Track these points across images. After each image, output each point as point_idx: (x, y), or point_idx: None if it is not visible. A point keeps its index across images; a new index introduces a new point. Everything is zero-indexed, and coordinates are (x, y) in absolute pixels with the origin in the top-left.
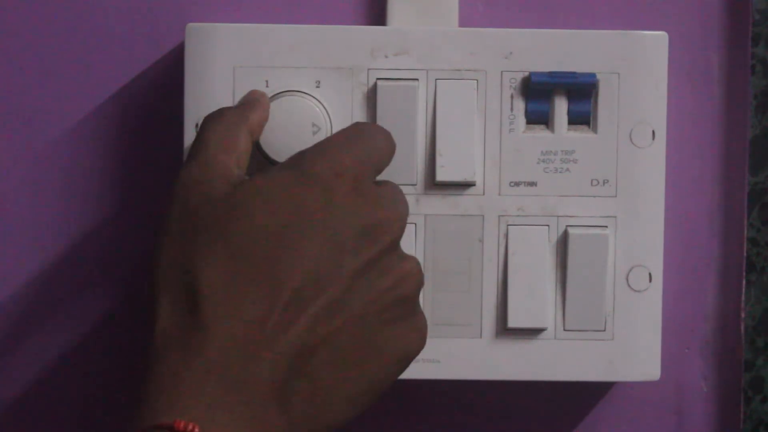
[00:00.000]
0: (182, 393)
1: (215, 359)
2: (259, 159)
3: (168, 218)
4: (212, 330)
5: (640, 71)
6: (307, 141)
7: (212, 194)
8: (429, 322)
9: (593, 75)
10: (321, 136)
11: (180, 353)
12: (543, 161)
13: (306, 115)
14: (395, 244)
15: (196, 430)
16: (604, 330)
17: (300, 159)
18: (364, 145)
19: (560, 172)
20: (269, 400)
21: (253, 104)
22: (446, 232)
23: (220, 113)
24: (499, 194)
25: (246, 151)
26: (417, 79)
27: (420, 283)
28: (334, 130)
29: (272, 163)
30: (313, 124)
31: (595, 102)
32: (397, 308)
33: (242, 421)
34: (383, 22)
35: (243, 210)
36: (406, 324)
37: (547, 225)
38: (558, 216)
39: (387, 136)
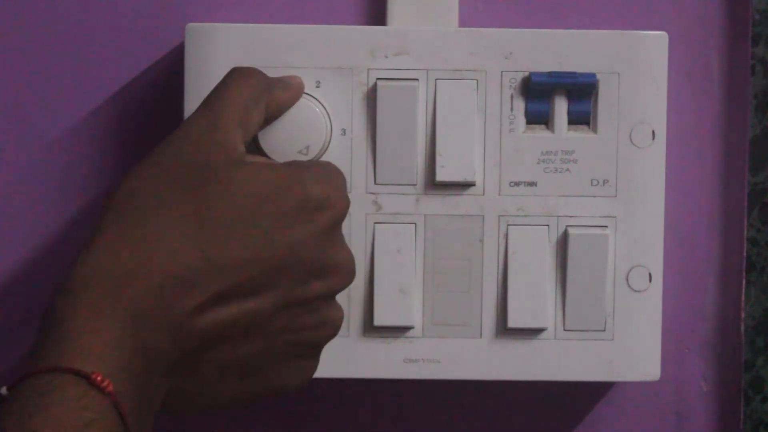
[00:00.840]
0: (102, 340)
1: (136, 314)
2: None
3: (155, 155)
4: (145, 285)
5: (640, 71)
6: (306, 142)
7: (209, 160)
8: (430, 322)
9: (593, 75)
10: (314, 151)
11: (110, 299)
12: (543, 161)
13: (306, 115)
14: (337, 293)
15: (110, 388)
16: (604, 330)
17: (304, 172)
18: (346, 191)
19: (560, 172)
20: (161, 374)
21: (285, 84)
22: (446, 232)
23: (251, 74)
24: (499, 194)
25: (257, 125)
26: (417, 79)
27: (335, 335)
28: (335, 131)
29: None
30: (308, 147)
31: (595, 102)
32: (304, 348)
33: (143, 387)
34: (383, 22)
35: (227, 191)
36: (301, 365)
37: (547, 225)
38: (558, 216)
39: None
